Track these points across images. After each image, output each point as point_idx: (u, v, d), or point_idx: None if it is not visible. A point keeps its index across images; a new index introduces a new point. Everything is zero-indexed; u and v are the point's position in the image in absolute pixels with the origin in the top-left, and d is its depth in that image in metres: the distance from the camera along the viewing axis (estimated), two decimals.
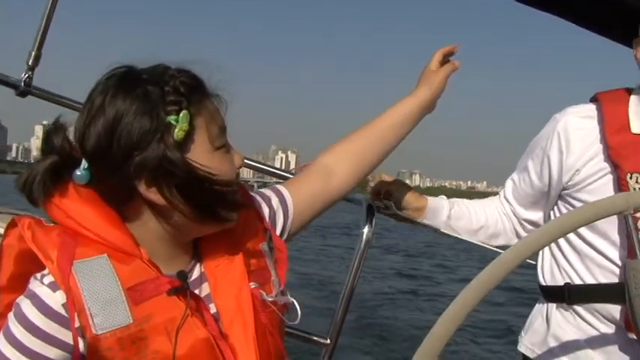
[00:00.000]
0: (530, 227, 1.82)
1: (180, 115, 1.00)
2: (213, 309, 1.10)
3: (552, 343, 1.70)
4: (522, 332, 1.82)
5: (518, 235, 1.86)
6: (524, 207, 1.81)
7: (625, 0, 1.64)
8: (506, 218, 1.85)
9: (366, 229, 1.72)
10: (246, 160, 1.83)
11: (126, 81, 1.03)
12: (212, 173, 1.03)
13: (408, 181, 2.05)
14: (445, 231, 1.84)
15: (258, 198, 1.27)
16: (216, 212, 1.07)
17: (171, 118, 1.00)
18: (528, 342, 1.78)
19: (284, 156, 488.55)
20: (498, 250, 1.84)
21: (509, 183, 1.85)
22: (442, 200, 1.84)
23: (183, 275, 1.07)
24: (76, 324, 0.97)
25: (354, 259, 1.76)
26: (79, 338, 0.97)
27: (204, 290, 1.11)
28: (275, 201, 1.28)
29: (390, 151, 1.43)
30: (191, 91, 1.04)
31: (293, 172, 2.02)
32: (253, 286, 1.12)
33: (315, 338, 1.79)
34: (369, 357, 7.58)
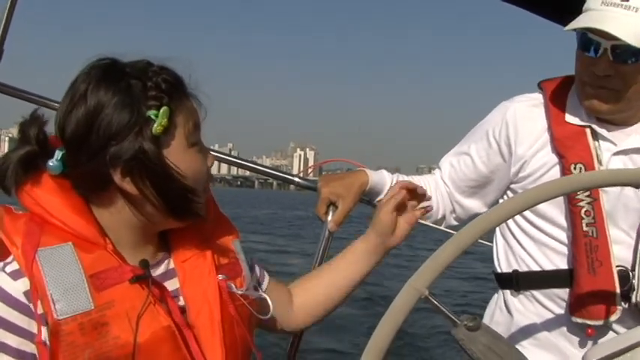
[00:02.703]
0: (461, 211, 1.82)
1: (161, 110, 1.04)
2: (181, 301, 1.12)
3: (515, 333, 1.71)
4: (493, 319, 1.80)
5: (447, 219, 1.84)
6: (460, 191, 1.80)
7: None
8: (441, 198, 1.82)
9: (329, 217, 1.69)
10: (235, 160, 2.06)
11: (110, 73, 1.06)
12: (182, 172, 1.08)
13: None
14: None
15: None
16: (185, 207, 1.11)
17: (152, 113, 1.04)
18: None
19: (302, 153, 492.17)
20: (450, 231, 1.83)
21: (446, 165, 1.83)
22: (384, 175, 1.77)
23: (145, 264, 1.09)
24: (39, 311, 0.99)
25: (318, 248, 1.77)
26: (42, 326, 0.99)
27: (173, 284, 1.14)
28: (257, 267, 1.34)
29: (350, 288, 1.44)
30: (172, 88, 1.08)
31: (297, 176, 2.10)
32: (221, 278, 1.15)
33: None
34: (334, 345, 7.50)
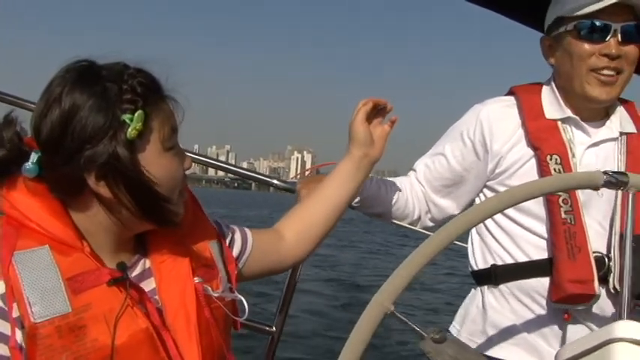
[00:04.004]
0: (436, 211, 1.85)
1: (136, 114, 1.04)
2: (157, 303, 1.12)
3: (491, 331, 1.75)
4: (456, 324, 1.86)
5: (422, 219, 1.87)
6: (435, 190, 1.83)
7: None
8: (416, 199, 1.85)
9: None
10: (212, 161, 2.04)
11: (85, 75, 1.05)
12: (156, 179, 1.08)
13: None
14: (361, 208, 1.82)
15: (223, 225, 1.32)
16: (159, 212, 1.11)
17: (126, 117, 1.03)
18: (467, 332, 1.81)
19: (300, 156, 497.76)
20: (426, 232, 1.86)
21: (421, 166, 1.86)
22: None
23: (123, 266, 1.10)
24: (15, 314, 0.98)
25: None
26: (17, 329, 0.98)
27: (149, 285, 1.14)
28: (237, 234, 1.35)
29: (339, 211, 1.48)
30: (148, 91, 1.07)
31: (272, 178, 2.10)
32: (198, 281, 1.15)
33: (261, 327, 1.81)
34: (314, 341, 7.56)
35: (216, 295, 1.18)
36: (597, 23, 1.59)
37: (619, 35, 1.59)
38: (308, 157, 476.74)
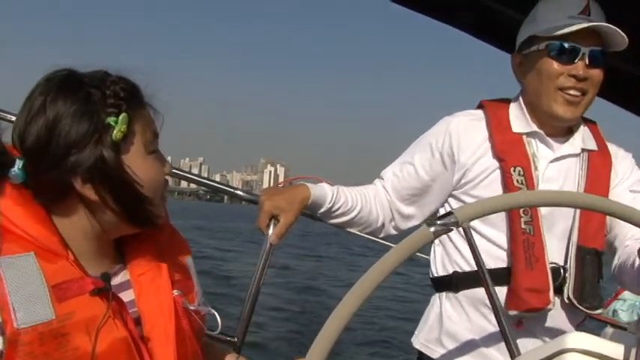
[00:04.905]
0: (400, 220, 1.89)
1: (120, 117, 1.06)
2: (135, 314, 1.14)
3: (446, 340, 1.79)
4: (416, 330, 1.90)
5: (385, 227, 1.91)
6: (402, 199, 1.87)
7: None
8: (380, 207, 1.88)
9: (271, 230, 1.72)
10: (191, 175, 2.06)
11: (68, 83, 1.07)
12: (140, 180, 1.10)
13: None
14: (325, 218, 1.85)
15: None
16: (142, 215, 1.13)
17: (111, 120, 1.06)
18: (423, 338, 1.86)
19: (273, 169, 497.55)
20: (387, 243, 1.91)
21: (389, 174, 1.89)
22: (325, 188, 1.81)
23: (106, 277, 1.10)
24: None
25: (259, 261, 1.78)
26: None
27: (128, 295, 1.15)
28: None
29: None
30: (130, 96, 1.10)
31: (240, 190, 2.09)
32: (176, 294, 1.18)
33: (223, 337, 1.79)
34: (276, 346, 7.79)
35: (192, 308, 1.20)
36: (567, 45, 1.67)
37: (587, 59, 1.67)
38: (281, 171, 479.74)
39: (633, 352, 0.82)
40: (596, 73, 1.70)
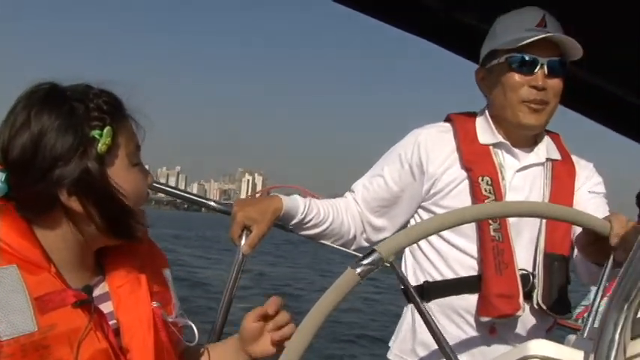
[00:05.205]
0: (371, 231, 1.91)
1: (104, 130, 1.08)
2: (115, 325, 1.15)
3: (420, 350, 1.81)
4: (391, 342, 1.92)
5: (357, 239, 1.93)
6: (372, 211, 1.89)
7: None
8: (352, 219, 1.90)
9: (243, 241, 1.73)
10: (168, 188, 1.99)
11: (51, 97, 1.09)
12: (125, 192, 1.12)
13: None
14: (297, 230, 1.86)
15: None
16: (125, 225, 1.15)
17: (95, 133, 1.07)
18: (397, 349, 1.88)
19: (251, 178, 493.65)
20: (355, 253, 1.91)
21: (359, 187, 1.92)
22: (297, 200, 1.82)
23: (88, 289, 1.12)
24: None
25: (232, 271, 1.79)
26: None
27: (107, 306, 1.16)
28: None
29: None
30: (113, 109, 1.11)
31: (212, 201, 2.05)
32: (155, 305, 1.19)
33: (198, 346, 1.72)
34: None
35: (171, 319, 1.22)
36: (526, 57, 1.73)
37: (545, 69, 1.72)
38: (259, 180, 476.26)
39: (591, 357, 0.85)
40: (556, 83, 1.76)
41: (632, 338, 0.85)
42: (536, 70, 1.73)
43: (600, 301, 1.27)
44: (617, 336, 0.81)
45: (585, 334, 1.07)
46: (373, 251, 0.98)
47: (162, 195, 2.09)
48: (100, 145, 1.09)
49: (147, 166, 1.22)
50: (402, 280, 1.24)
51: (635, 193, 3.95)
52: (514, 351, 0.95)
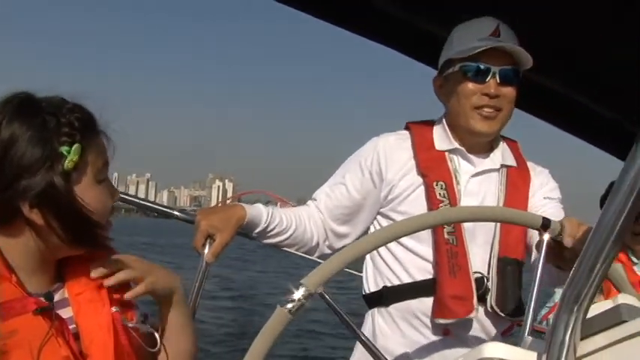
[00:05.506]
0: (334, 239, 1.94)
1: (73, 147, 1.08)
2: (74, 329, 1.15)
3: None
4: (354, 349, 1.94)
5: (320, 247, 1.95)
6: (335, 218, 1.92)
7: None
8: (315, 227, 1.93)
9: (206, 249, 1.75)
10: (132, 198, 1.98)
11: (24, 107, 1.09)
12: (89, 208, 1.12)
13: None
14: (260, 238, 1.87)
15: None
16: (93, 237, 1.16)
17: (64, 149, 1.08)
18: (359, 358, 1.89)
19: (221, 184, 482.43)
20: (317, 260, 1.93)
21: (322, 195, 1.95)
22: (260, 209, 1.84)
23: (49, 296, 1.11)
24: None
25: (195, 279, 1.79)
26: None
27: (66, 313, 1.16)
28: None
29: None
30: (84, 126, 1.11)
31: (176, 211, 2.02)
32: (114, 310, 1.19)
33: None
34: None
35: (131, 325, 1.22)
36: (480, 66, 1.78)
37: (497, 77, 1.77)
38: (229, 186, 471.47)
39: (543, 358, 0.87)
40: (508, 91, 1.81)
41: (582, 338, 0.86)
42: (488, 78, 1.78)
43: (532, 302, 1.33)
44: (567, 337, 0.83)
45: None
46: (300, 286, 0.96)
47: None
48: (66, 161, 1.09)
49: (116, 174, 1.22)
50: (334, 308, 1.21)
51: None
52: (469, 354, 0.97)
